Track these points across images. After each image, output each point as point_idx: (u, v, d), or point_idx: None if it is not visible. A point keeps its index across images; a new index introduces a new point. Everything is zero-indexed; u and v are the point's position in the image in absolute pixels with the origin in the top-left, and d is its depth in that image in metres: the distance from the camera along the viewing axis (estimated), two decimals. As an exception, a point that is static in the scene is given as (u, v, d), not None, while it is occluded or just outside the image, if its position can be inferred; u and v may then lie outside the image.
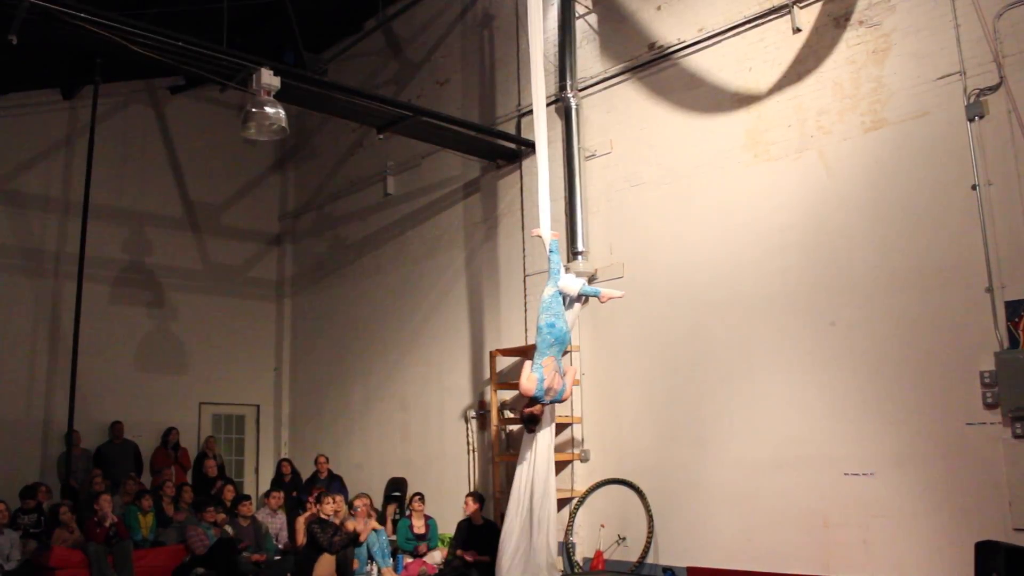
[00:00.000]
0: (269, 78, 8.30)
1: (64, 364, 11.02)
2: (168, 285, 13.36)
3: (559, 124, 9.95)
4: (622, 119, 9.62)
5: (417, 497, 10.03)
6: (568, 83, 9.92)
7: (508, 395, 10.16)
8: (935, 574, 6.76)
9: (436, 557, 9.62)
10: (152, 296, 13.22)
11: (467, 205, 11.54)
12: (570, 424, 9.42)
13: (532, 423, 7.66)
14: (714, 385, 8.38)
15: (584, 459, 9.39)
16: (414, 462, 11.61)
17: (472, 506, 9.39)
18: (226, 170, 14.24)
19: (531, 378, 7.14)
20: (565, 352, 7.70)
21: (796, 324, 7.89)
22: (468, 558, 9.01)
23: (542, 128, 7.97)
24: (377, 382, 12.50)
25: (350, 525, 9.31)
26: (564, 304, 7.58)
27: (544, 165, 7.93)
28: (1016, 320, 6.55)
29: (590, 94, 9.94)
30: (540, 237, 7.97)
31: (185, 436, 12.49)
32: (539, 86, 8.10)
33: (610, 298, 7.64)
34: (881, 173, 7.47)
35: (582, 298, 7.90)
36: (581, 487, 9.31)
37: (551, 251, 7.74)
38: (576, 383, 9.11)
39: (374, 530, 9.48)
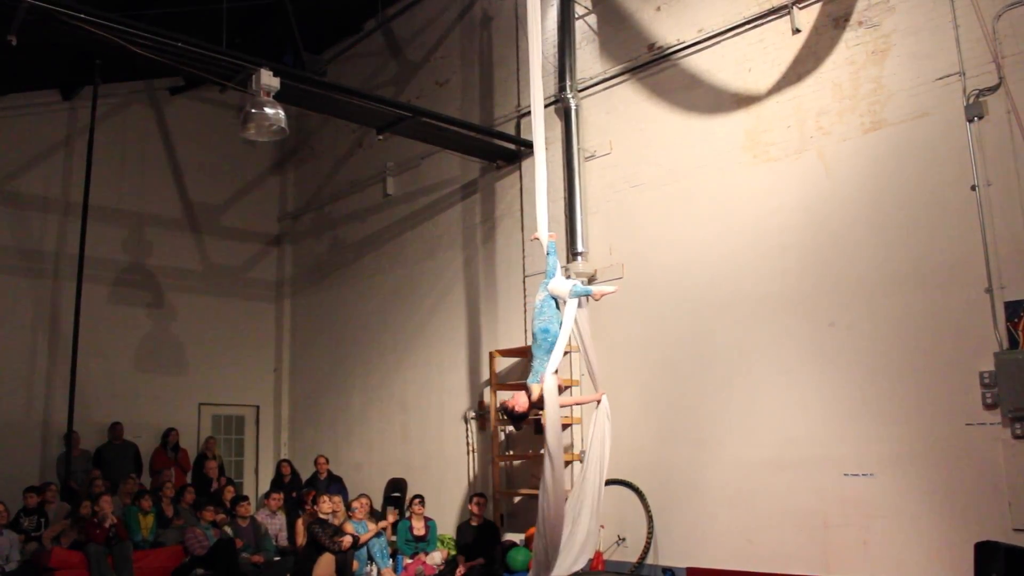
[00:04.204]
0: (268, 79, 8.30)
1: (64, 365, 11.00)
2: (167, 286, 13.35)
3: (559, 125, 9.96)
4: (622, 120, 9.62)
5: (417, 500, 10.02)
6: (568, 84, 9.92)
7: (507, 396, 10.13)
8: (935, 574, 6.76)
9: (436, 558, 9.63)
10: (152, 297, 13.20)
11: (467, 206, 11.53)
12: (570, 425, 9.42)
13: (520, 420, 7.59)
14: (714, 385, 8.38)
15: (584, 460, 9.37)
16: (414, 463, 11.59)
17: (471, 508, 9.41)
18: (226, 171, 14.23)
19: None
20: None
21: (796, 324, 7.89)
22: (460, 568, 9.03)
23: (540, 131, 7.95)
24: (377, 383, 12.49)
25: (350, 527, 9.32)
26: (557, 307, 7.53)
27: (542, 168, 7.89)
28: (1016, 320, 6.55)
29: (590, 95, 9.94)
30: (539, 240, 7.93)
31: (185, 437, 12.46)
32: (537, 88, 8.07)
33: (604, 295, 7.58)
34: (881, 174, 7.47)
35: (580, 300, 7.83)
36: (581, 488, 9.30)
37: (548, 253, 7.69)
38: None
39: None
